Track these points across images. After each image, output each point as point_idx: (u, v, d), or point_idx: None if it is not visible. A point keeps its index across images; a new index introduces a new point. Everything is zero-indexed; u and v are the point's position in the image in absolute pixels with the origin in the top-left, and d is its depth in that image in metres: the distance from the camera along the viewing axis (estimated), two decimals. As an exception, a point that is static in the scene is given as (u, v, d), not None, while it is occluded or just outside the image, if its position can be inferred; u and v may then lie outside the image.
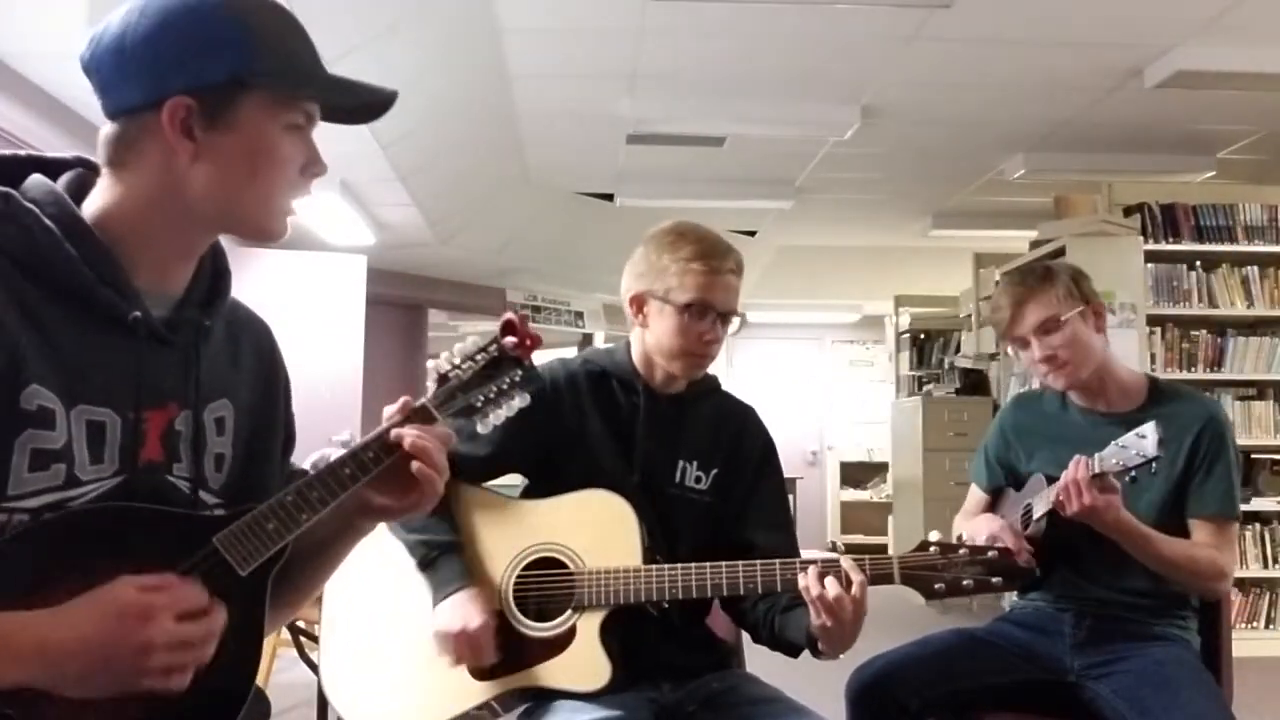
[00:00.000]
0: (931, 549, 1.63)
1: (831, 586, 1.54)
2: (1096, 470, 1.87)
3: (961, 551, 1.62)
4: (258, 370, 1.26)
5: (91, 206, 1.11)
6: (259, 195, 1.12)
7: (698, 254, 1.76)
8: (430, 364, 1.23)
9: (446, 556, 1.70)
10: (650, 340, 1.82)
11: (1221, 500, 2.02)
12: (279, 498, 1.11)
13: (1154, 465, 1.85)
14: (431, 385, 1.21)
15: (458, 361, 1.21)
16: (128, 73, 1.08)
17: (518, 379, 1.21)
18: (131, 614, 0.98)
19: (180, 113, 1.07)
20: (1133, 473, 1.86)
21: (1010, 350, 2.19)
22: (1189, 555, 1.98)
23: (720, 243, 1.80)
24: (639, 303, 1.82)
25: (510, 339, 1.21)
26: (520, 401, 1.22)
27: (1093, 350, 2.08)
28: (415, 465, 1.15)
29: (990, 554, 1.62)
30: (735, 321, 1.81)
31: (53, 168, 1.15)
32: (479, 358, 1.21)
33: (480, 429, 1.22)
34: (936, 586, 1.60)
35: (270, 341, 1.30)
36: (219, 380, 1.19)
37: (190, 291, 1.17)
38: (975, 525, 2.07)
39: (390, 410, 1.19)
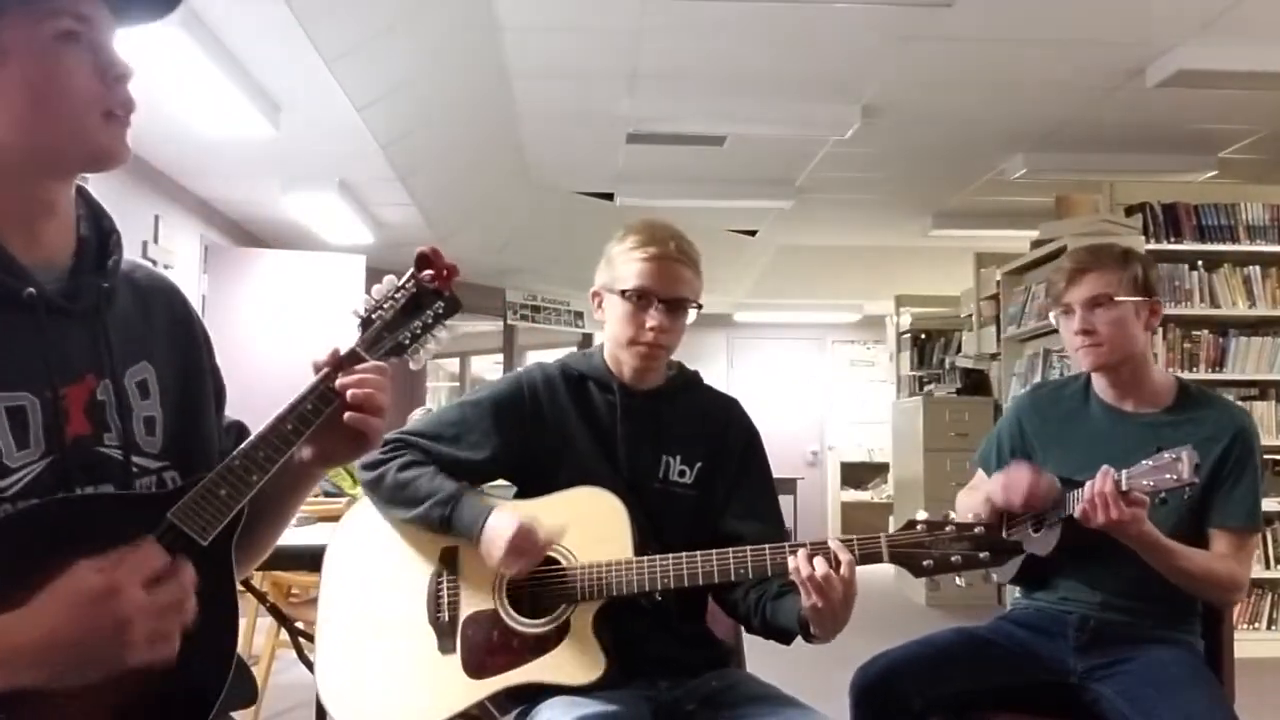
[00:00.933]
0: (919, 527, 1.62)
1: (820, 566, 1.55)
2: (1124, 486, 1.83)
3: (948, 529, 1.61)
4: (173, 329, 1.24)
5: None
6: (60, 119, 1.06)
7: (639, 242, 1.79)
8: (352, 310, 1.22)
9: (463, 500, 1.70)
10: (608, 334, 1.85)
11: (1248, 514, 2.00)
12: (227, 463, 1.10)
13: (1187, 491, 1.82)
14: (357, 331, 1.20)
15: (379, 301, 1.21)
16: None
17: (440, 310, 1.22)
18: (98, 597, 0.96)
19: None
20: (1163, 495, 1.83)
21: (1052, 316, 2.16)
22: (1208, 568, 1.96)
23: (665, 230, 1.82)
24: (598, 299, 1.86)
25: (427, 272, 1.21)
26: (447, 334, 1.23)
27: (1132, 341, 2.05)
28: (349, 415, 1.15)
29: (977, 530, 1.61)
30: (692, 312, 1.81)
31: None
32: (399, 296, 1.21)
33: (413, 365, 1.23)
34: (925, 564, 1.60)
35: (180, 298, 1.28)
36: (133, 343, 1.17)
37: (79, 258, 1.14)
38: (989, 486, 2.05)
39: (320, 361, 1.19)
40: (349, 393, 1.15)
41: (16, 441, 1.04)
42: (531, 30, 4.32)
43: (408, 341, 1.21)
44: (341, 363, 1.17)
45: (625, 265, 1.79)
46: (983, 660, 2.07)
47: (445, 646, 1.68)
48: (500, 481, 1.89)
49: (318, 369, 1.18)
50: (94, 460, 1.10)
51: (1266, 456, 5.04)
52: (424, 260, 1.21)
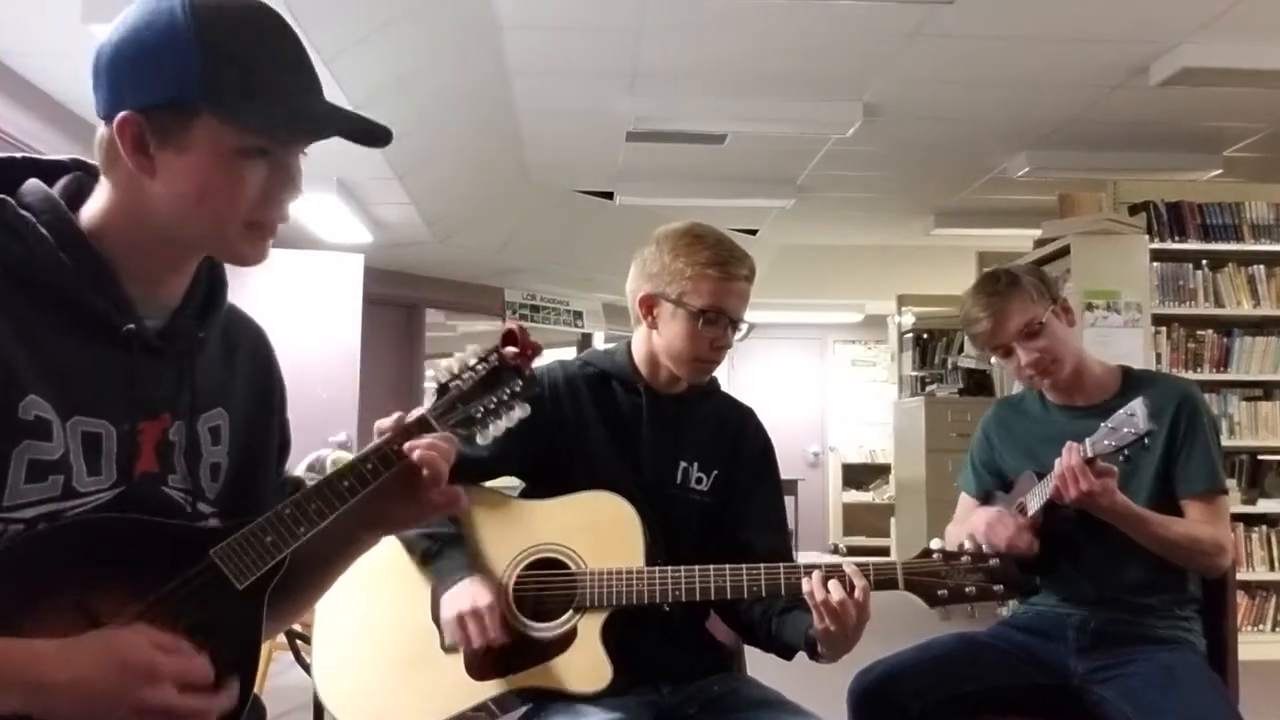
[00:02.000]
0: (935, 555, 1.63)
1: (835, 591, 1.54)
2: (1089, 455, 1.88)
3: (964, 559, 1.63)
4: (253, 376, 1.25)
5: (88, 213, 1.10)
6: (211, 219, 1.08)
7: (714, 260, 1.75)
8: (429, 373, 1.22)
9: (450, 548, 1.69)
10: (659, 342, 1.81)
11: (1208, 476, 2.04)
12: (277, 510, 1.09)
13: (1147, 440, 1.85)
14: (431, 396, 1.19)
15: (457, 371, 1.19)
16: (99, 80, 1.08)
17: (518, 389, 1.20)
18: (136, 668, 0.96)
19: (130, 129, 1.05)
20: (1126, 452, 1.86)
21: (993, 359, 2.20)
22: (1189, 534, 1.99)
23: (736, 249, 1.79)
24: (649, 304, 1.81)
25: (510, 349, 1.20)
26: (520, 412, 1.20)
27: (1071, 346, 2.11)
28: (419, 456, 1.13)
29: (992, 562, 1.62)
30: (743, 328, 1.80)
31: (50, 172, 1.13)
32: (479, 368, 1.19)
33: (480, 440, 1.20)
34: (940, 593, 1.61)
35: (266, 347, 1.29)
36: (214, 389, 1.18)
37: (186, 302, 1.15)
38: (973, 522, 2.05)
39: (385, 423, 1.17)
40: (416, 454, 1.13)
41: (89, 467, 1.05)
42: (531, 29, 4.30)
43: (479, 415, 1.18)
44: (410, 429, 1.15)
45: (699, 281, 1.74)
46: (982, 665, 2.06)
47: (448, 645, 1.67)
48: (504, 480, 1.86)
49: (380, 432, 1.16)
50: (159, 499, 1.10)
51: (1272, 456, 5.03)
52: (510, 336, 1.20)
